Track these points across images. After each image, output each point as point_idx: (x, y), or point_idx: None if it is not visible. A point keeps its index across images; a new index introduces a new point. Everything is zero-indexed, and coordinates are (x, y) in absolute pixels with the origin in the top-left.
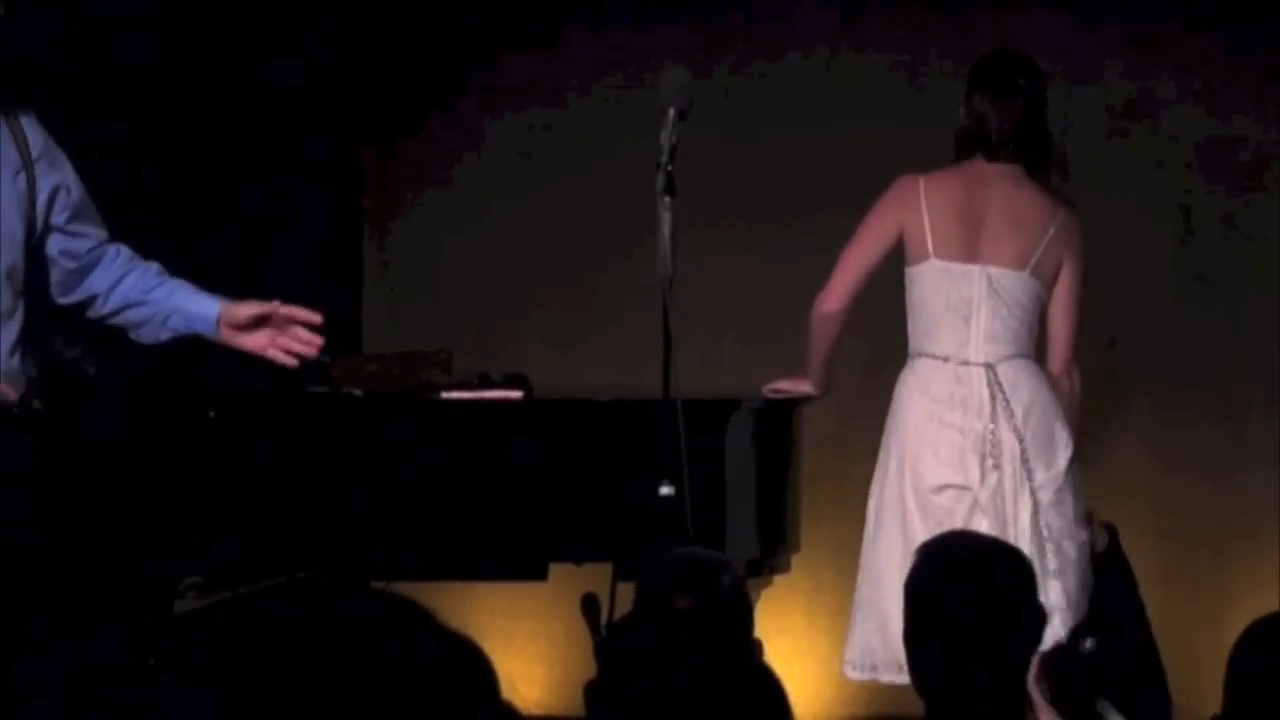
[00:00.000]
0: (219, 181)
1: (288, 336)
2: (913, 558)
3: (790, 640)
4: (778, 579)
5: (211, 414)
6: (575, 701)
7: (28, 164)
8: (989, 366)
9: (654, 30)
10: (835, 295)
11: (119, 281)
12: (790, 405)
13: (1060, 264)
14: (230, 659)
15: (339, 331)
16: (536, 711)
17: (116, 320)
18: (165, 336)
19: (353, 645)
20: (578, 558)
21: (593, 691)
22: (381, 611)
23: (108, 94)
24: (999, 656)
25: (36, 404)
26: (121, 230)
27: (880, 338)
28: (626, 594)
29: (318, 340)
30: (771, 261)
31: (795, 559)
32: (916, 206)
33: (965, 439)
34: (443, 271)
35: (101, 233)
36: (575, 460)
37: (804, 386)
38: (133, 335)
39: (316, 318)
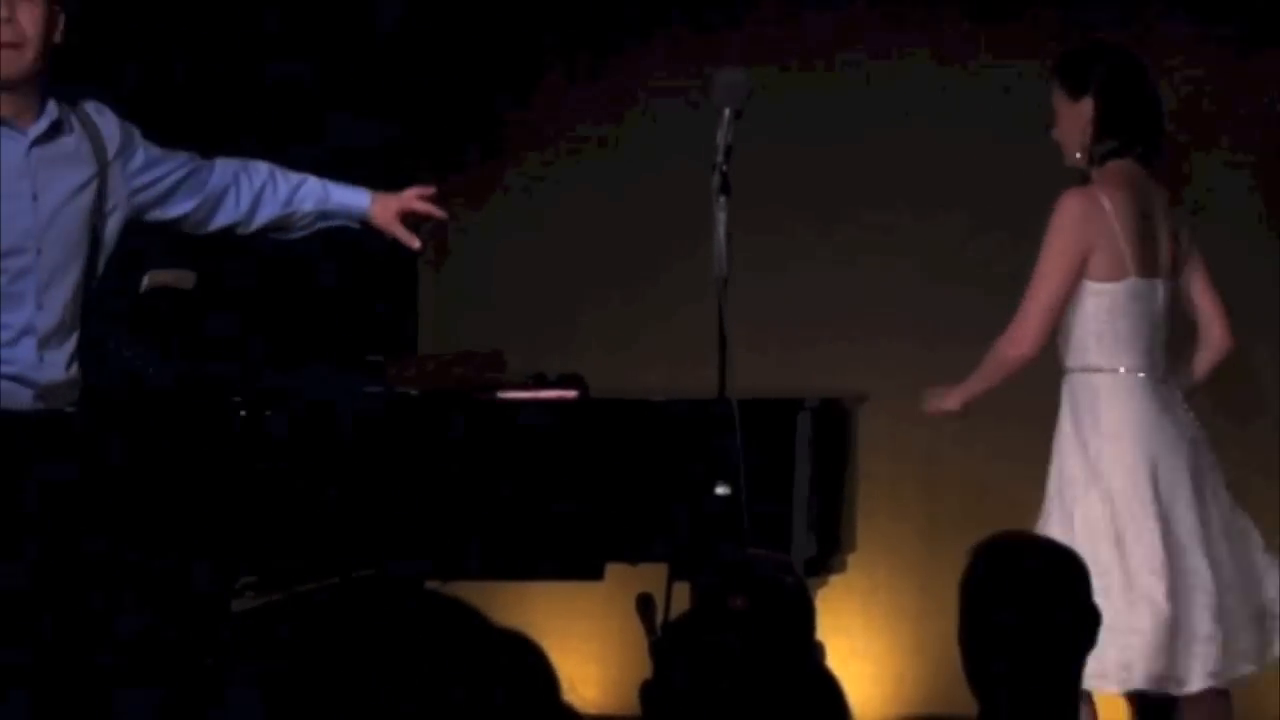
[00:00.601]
0: None
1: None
2: (967, 557)
3: (845, 640)
4: (833, 579)
5: (268, 413)
6: (631, 701)
7: (102, 168)
8: (1168, 381)
9: (710, 33)
10: (1035, 341)
11: (257, 202)
12: (850, 405)
13: (1188, 258)
14: (285, 661)
15: (394, 332)
16: (593, 711)
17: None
18: (310, 232)
19: (411, 647)
20: (633, 557)
21: (648, 691)
22: (440, 613)
23: (166, 100)
24: (1051, 657)
25: (92, 405)
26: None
27: (937, 342)
28: (682, 594)
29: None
30: (824, 263)
31: (851, 559)
32: (1107, 224)
33: (1175, 454)
34: (498, 272)
35: (192, 162)
36: (630, 460)
37: (951, 404)
38: (275, 235)
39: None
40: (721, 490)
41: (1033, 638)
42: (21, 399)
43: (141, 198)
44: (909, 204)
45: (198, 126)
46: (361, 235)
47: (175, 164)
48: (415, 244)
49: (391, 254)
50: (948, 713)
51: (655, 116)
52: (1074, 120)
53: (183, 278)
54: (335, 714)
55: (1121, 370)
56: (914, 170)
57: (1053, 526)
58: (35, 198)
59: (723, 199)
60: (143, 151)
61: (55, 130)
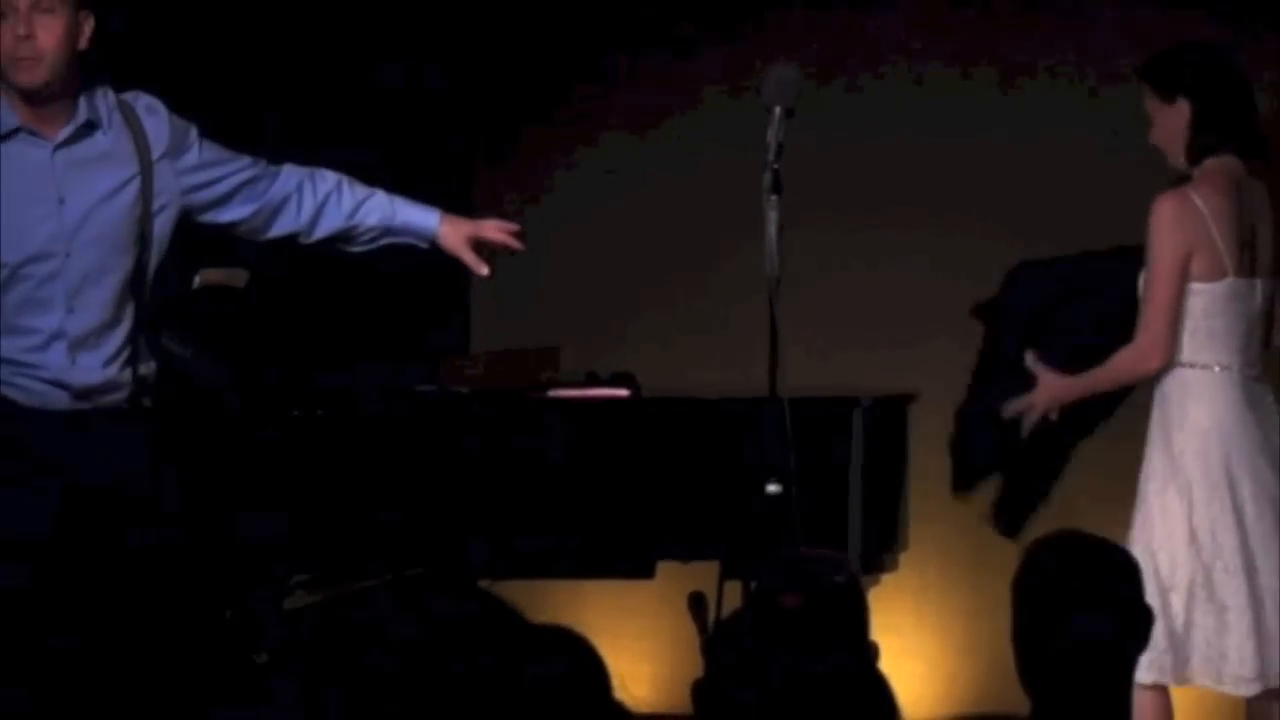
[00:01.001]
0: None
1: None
2: (1022, 555)
3: (897, 639)
4: (885, 578)
5: (320, 412)
6: (683, 700)
7: (145, 168)
8: (1261, 380)
9: (761, 32)
10: (1163, 352)
11: (319, 213)
12: (902, 404)
13: None
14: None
15: (446, 331)
16: (644, 709)
17: (326, 243)
18: (375, 247)
19: (464, 646)
20: (685, 555)
21: (700, 690)
22: (491, 612)
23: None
24: (1103, 657)
25: (146, 402)
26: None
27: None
28: (734, 592)
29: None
30: (876, 261)
31: (902, 558)
32: (1203, 225)
33: (1260, 453)
34: (551, 270)
35: (255, 168)
36: (682, 458)
37: (1042, 405)
38: (340, 247)
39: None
40: (773, 489)
41: (1085, 637)
42: (58, 401)
43: (195, 198)
44: (961, 206)
45: (262, 114)
46: None
47: (235, 167)
48: (483, 271)
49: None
50: (999, 712)
51: (706, 114)
52: (1171, 123)
53: (235, 276)
54: (392, 712)
55: (1216, 368)
56: (968, 174)
57: (1135, 521)
58: (62, 201)
59: (774, 197)
60: (198, 150)
61: (85, 131)
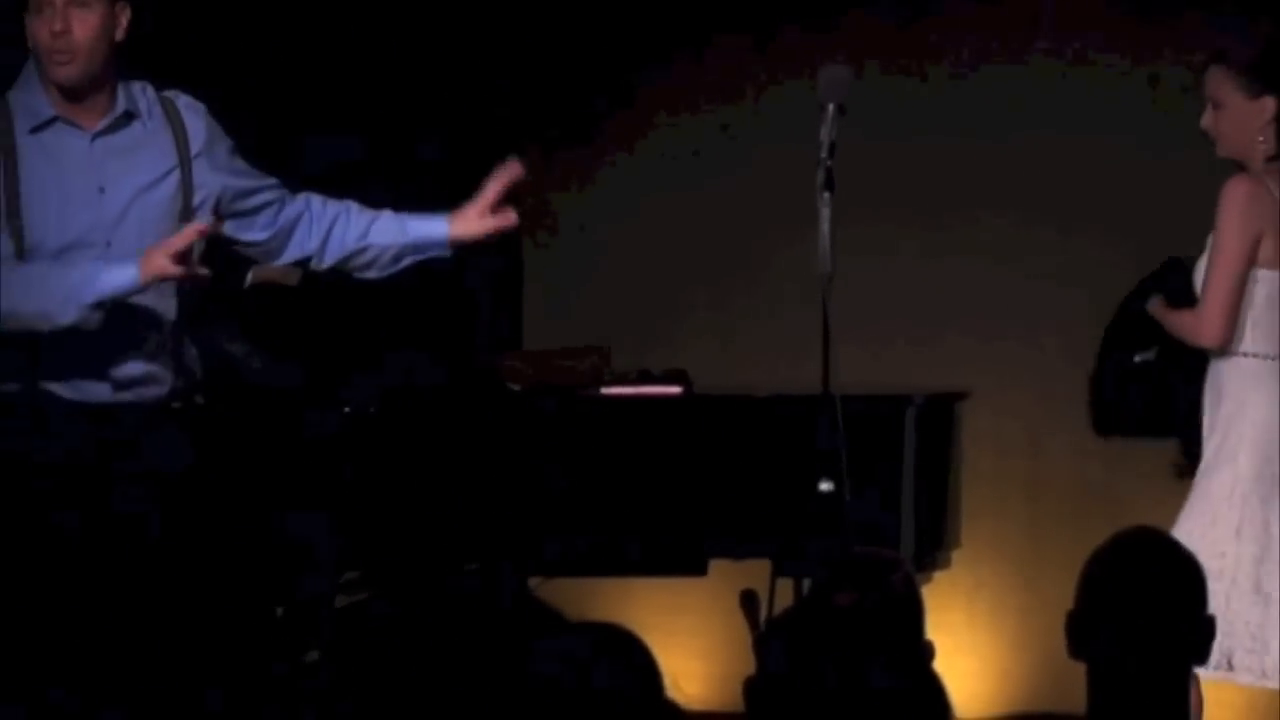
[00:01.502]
0: (377, 176)
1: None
2: (1095, 552)
3: (950, 637)
4: (937, 575)
5: (372, 410)
6: (735, 697)
7: (184, 162)
8: None
9: (815, 31)
10: (1220, 331)
11: (328, 236)
12: (951, 401)
13: None
14: (389, 656)
15: (499, 329)
16: (696, 707)
17: (341, 267)
18: (396, 269)
19: (517, 643)
20: (737, 553)
21: (752, 687)
22: (541, 611)
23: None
24: (1164, 660)
25: (199, 399)
26: None
27: (1040, 339)
28: (786, 590)
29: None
30: (927, 260)
31: (955, 555)
32: (1273, 209)
33: None
34: (603, 268)
35: (276, 193)
36: (734, 456)
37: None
38: (360, 275)
39: (517, 171)
40: (825, 486)
41: (1148, 641)
42: (100, 394)
43: (230, 205)
44: (1011, 204)
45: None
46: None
47: (264, 186)
48: (512, 218)
49: (496, 251)
50: (1051, 709)
51: (759, 111)
52: (1249, 117)
53: (288, 274)
54: (447, 707)
55: (1276, 359)
56: (1019, 171)
57: (1186, 507)
58: (102, 190)
59: (827, 195)
60: (232, 157)
61: (124, 122)
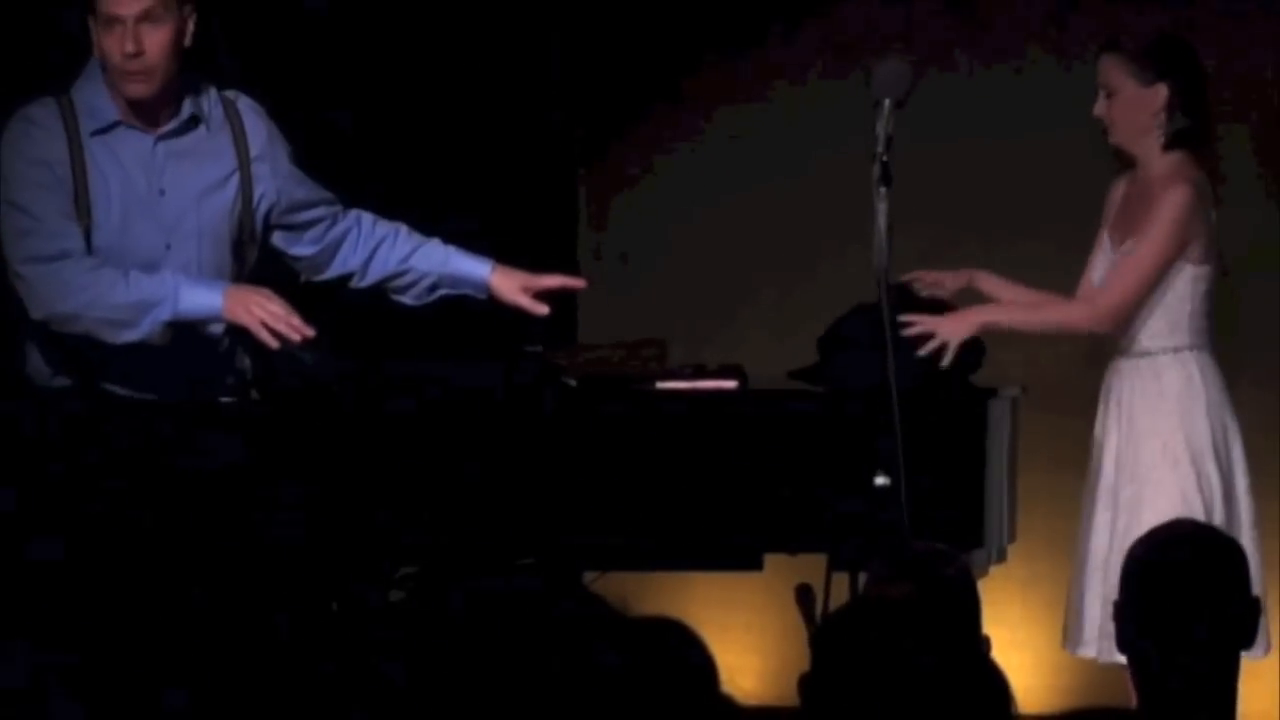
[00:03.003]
0: (435, 169)
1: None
2: (1134, 547)
3: (1005, 631)
4: (993, 569)
5: (428, 403)
6: (790, 693)
7: (244, 165)
8: None
9: (873, 23)
10: (1117, 323)
11: (372, 256)
12: (1009, 396)
13: None
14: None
15: (554, 320)
16: (751, 702)
17: (378, 288)
18: (430, 299)
19: (573, 638)
20: (792, 548)
21: (807, 683)
22: (596, 606)
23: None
24: (1214, 648)
25: (254, 395)
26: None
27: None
28: (841, 585)
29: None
30: (980, 254)
31: (1010, 549)
32: (1207, 209)
33: (1238, 435)
34: (659, 260)
35: (330, 209)
36: (789, 450)
37: (970, 324)
38: (395, 298)
39: (579, 283)
40: (881, 481)
41: (1197, 628)
42: (155, 390)
43: (282, 216)
44: (1059, 200)
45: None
46: (518, 222)
47: (320, 200)
48: (543, 310)
49: (551, 243)
50: (1106, 704)
51: (817, 105)
52: (1141, 104)
53: None
54: (501, 703)
55: (1208, 351)
56: (1065, 168)
57: (1143, 498)
58: (163, 193)
59: (883, 190)
60: (291, 163)
61: (189, 125)
